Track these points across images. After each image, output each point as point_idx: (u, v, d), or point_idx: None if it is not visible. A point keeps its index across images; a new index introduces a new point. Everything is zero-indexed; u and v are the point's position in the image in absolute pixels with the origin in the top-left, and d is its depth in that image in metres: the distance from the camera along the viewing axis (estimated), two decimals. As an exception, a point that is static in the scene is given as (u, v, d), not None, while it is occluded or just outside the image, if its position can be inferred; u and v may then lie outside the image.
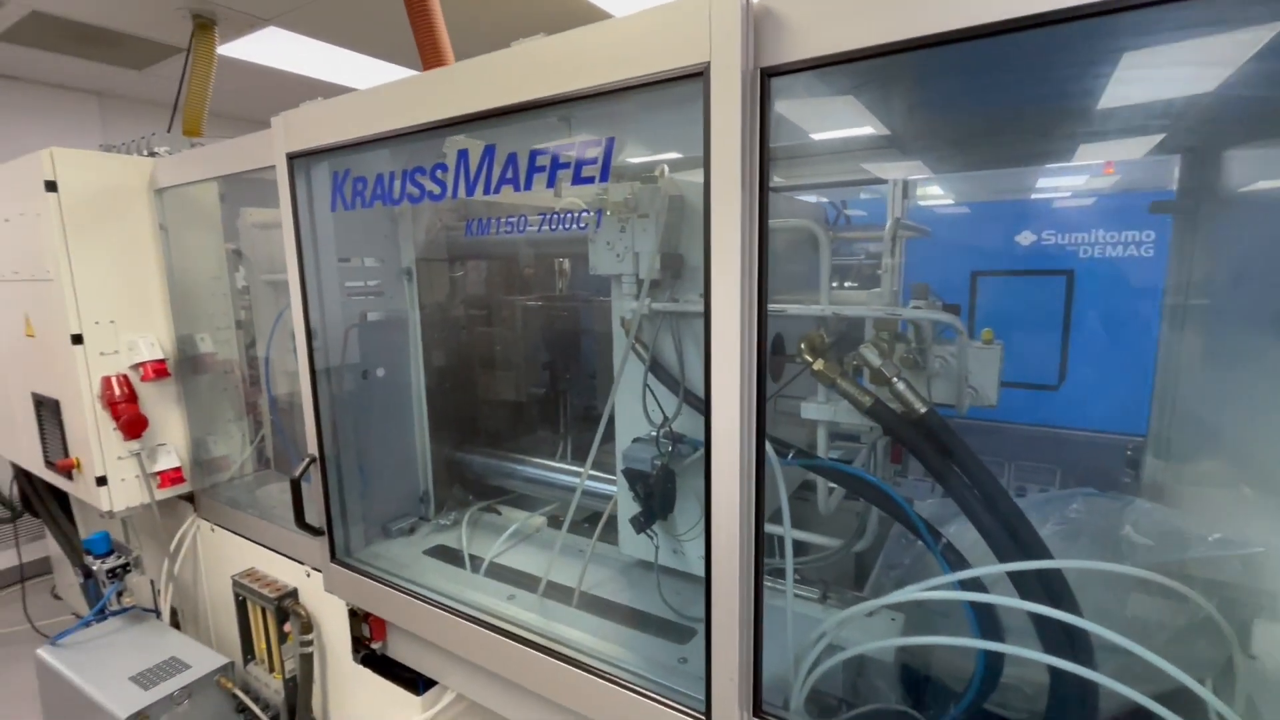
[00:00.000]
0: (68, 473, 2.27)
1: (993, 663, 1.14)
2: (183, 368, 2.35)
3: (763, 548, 1.08)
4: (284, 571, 2.11)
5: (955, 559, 1.16)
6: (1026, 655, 1.04)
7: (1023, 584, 1.09)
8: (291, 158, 1.60)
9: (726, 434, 1.03)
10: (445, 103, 1.25)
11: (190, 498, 2.45)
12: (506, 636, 1.44)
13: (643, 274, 1.42)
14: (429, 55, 2.42)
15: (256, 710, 2.06)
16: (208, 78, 3.11)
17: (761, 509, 1.07)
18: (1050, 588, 1.09)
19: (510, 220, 1.42)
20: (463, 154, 1.25)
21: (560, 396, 2.33)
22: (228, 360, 2.48)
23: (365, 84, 1.63)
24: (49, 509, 3.15)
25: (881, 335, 1.33)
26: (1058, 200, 2.56)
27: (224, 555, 2.37)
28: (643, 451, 1.45)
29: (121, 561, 2.30)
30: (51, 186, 2.03)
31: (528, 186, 1.18)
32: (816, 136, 1.95)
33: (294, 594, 2.05)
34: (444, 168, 1.29)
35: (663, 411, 1.45)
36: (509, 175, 1.20)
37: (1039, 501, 1.70)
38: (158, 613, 2.50)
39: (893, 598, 1.14)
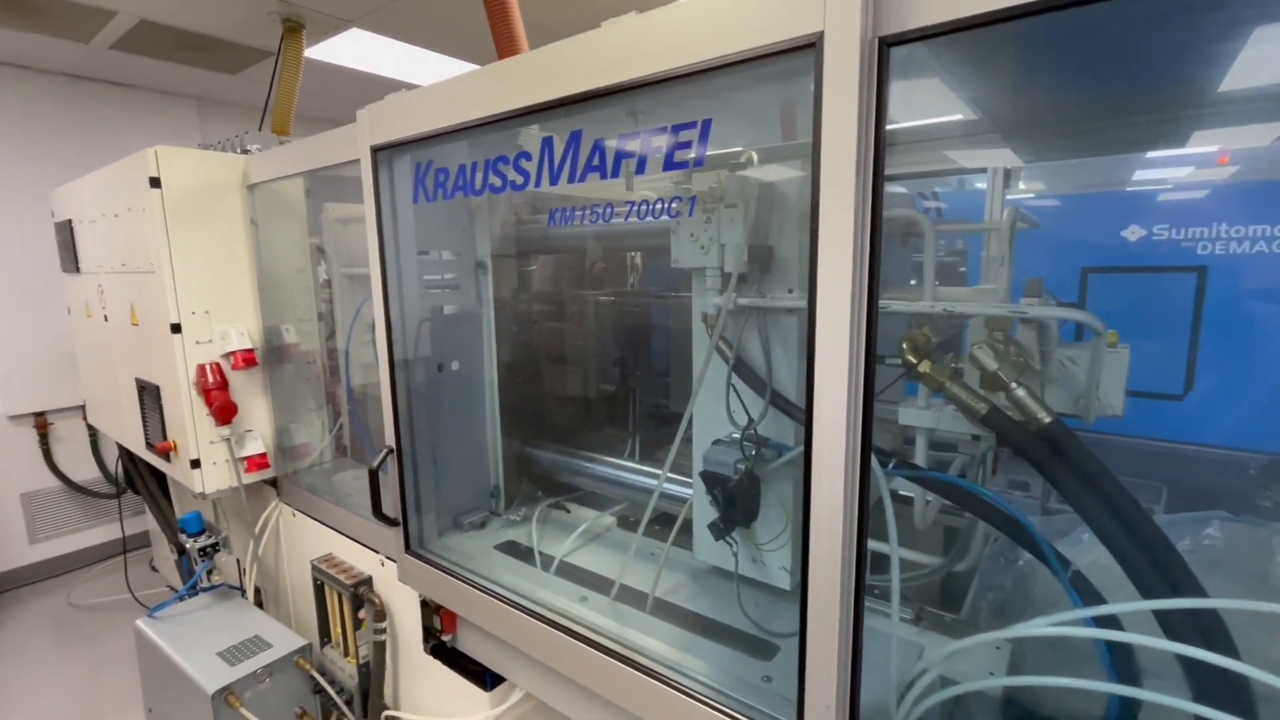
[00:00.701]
0: (165, 455, 2.40)
1: (1128, 709, 1.01)
2: (269, 357, 2.44)
3: (865, 566, 0.99)
4: (360, 559, 2.15)
5: (1086, 589, 1.03)
6: (1177, 705, 0.90)
7: (1170, 621, 0.95)
8: (375, 150, 1.61)
9: (830, 442, 0.94)
10: (532, 89, 1.21)
11: (273, 482, 2.55)
12: (580, 640, 1.40)
13: (729, 267, 1.35)
14: (504, 48, 2.41)
15: (332, 692, 2.11)
16: (295, 79, 3.24)
17: (865, 523, 0.97)
18: (1203, 626, 0.95)
19: (594, 210, 1.37)
20: (547, 141, 1.21)
21: (630, 394, 2.28)
22: (309, 351, 2.57)
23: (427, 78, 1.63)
24: (149, 487, 3.37)
25: (995, 335, 1.20)
26: (1174, 191, 2.30)
27: (303, 539, 2.45)
28: (724, 454, 1.38)
29: (212, 541, 2.41)
30: (155, 183, 2.14)
31: (615, 174, 1.13)
32: (905, 123, 1.82)
33: (368, 581, 2.09)
34: (528, 156, 1.26)
35: (747, 413, 1.38)
36: (595, 162, 1.15)
37: (1163, 524, 1.52)
38: (242, 591, 2.62)
39: (1023, 630, 1.02)
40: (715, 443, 1.45)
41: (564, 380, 2.21)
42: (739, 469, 1.35)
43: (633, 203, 1.36)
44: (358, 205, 2.63)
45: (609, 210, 1.33)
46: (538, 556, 1.81)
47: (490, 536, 1.95)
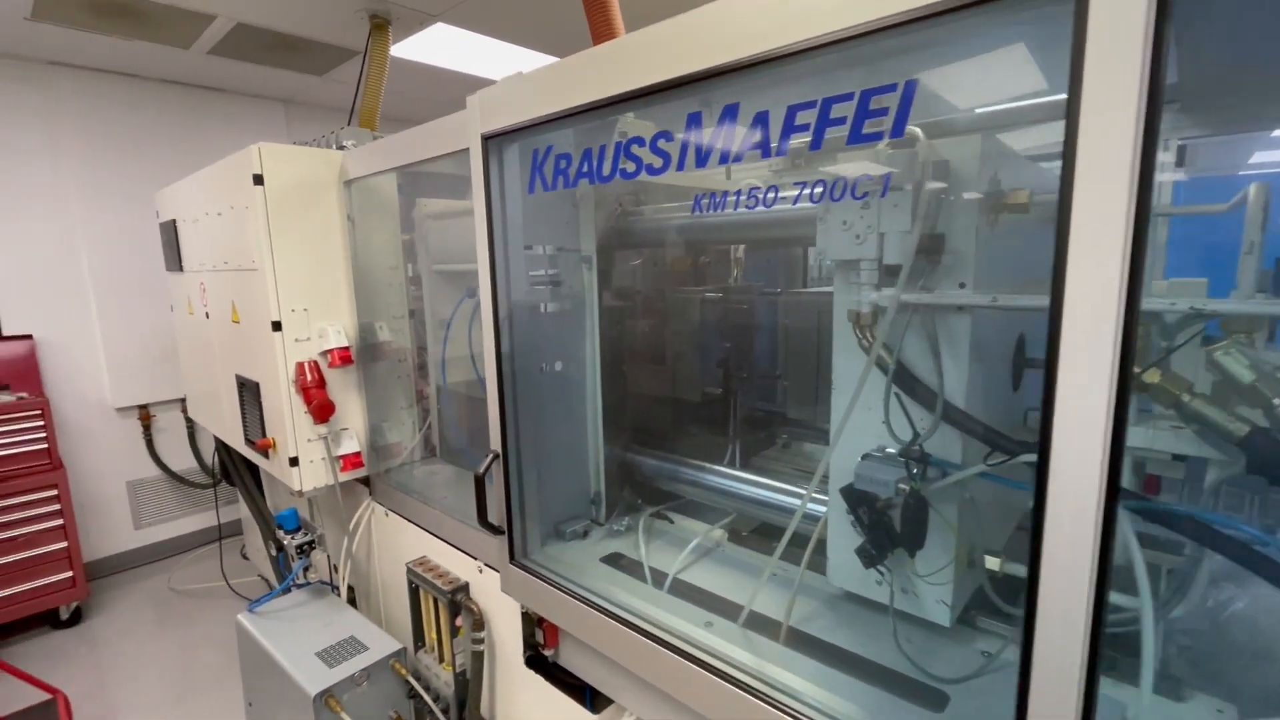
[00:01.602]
0: (264, 451, 2.41)
1: None
2: (363, 355, 2.41)
3: (1102, 628, 0.80)
4: (455, 564, 2.09)
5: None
6: None
7: None
8: (487, 139, 1.51)
9: (1075, 474, 0.76)
10: (677, 60, 1.08)
11: (365, 481, 2.54)
12: (710, 671, 1.27)
13: (890, 258, 1.18)
14: (600, 33, 2.30)
15: (429, 700, 2.07)
16: (382, 75, 3.24)
17: (1107, 577, 0.79)
18: None
19: (746, 194, 1.22)
20: (694, 118, 1.08)
21: (734, 397, 2.13)
22: (401, 349, 2.53)
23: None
24: (244, 480, 3.46)
25: (1237, 338, 0.99)
26: None
27: (395, 540, 2.42)
28: (882, 472, 1.21)
29: (308, 539, 2.41)
30: (258, 180, 2.13)
31: (780, 151, 0.98)
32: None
33: (465, 588, 2.02)
34: (668, 136, 1.13)
35: (912, 426, 1.20)
36: (755, 140, 1.01)
37: None
38: (335, 588, 2.62)
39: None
40: (867, 457, 1.28)
41: (665, 382, 2.08)
42: (901, 489, 1.18)
43: (774, 188, 1.21)
44: (449, 200, 2.60)
45: (754, 196, 1.19)
46: (648, 572, 1.69)
47: (594, 547, 1.85)
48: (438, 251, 2.52)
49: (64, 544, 3.57)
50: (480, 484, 1.66)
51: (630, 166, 1.20)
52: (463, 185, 2.88)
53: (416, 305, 2.62)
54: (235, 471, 3.56)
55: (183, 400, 4.40)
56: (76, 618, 3.70)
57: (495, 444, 1.68)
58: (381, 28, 3.25)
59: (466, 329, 2.44)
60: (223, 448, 3.62)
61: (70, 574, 3.59)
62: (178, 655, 3.41)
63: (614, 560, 1.77)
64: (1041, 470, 0.78)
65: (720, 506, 1.90)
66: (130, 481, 4.31)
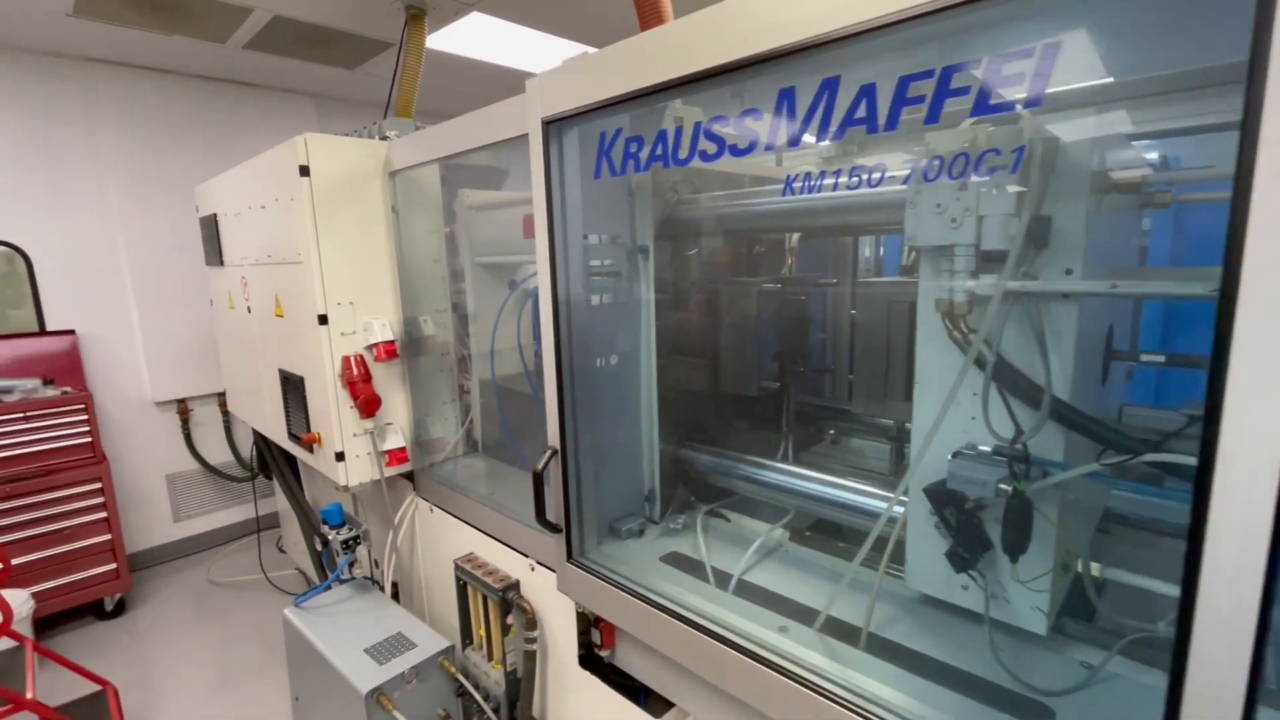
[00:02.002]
0: (309, 446, 2.40)
1: None
2: (407, 349, 2.38)
3: (1264, 655, 0.73)
4: (504, 560, 2.06)
5: None
6: None
7: None
8: (547, 123, 1.46)
9: (1247, 484, 0.69)
10: (765, 34, 1.01)
11: (408, 476, 2.51)
12: (789, 677, 1.21)
13: (989, 243, 1.10)
14: (648, 19, 2.23)
15: (479, 699, 2.04)
16: (418, 66, 3.20)
17: (1274, 594, 0.72)
18: None
19: (830, 179, 1.16)
20: (786, 94, 1.01)
21: (790, 391, 2.06)
22: (444, 343, 2.50)
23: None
24: (284, 473, 3.47)
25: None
26: None
27: (441, 536, 2.40)
28: (979, 471, 1.14)
29: (353, 534, 2.39)
30: (305, 171, 2.10)
31: (890, 125, 0.91)
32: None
33: (516, 586, 1.98)
34: (755, 113, 1.06)
35: (1015, 423, 1.13)
36: (858, 114, 0.94)
37: None
38: (378, 584, 2.61)
39: None
40: (958, 455, 1.21)
41: (719, 376, 2.02)
42: (1001, 489, 1.11)
43: (858, 168, 1.14)
44: (493, 192, 2.55)
45: (857, 175, 1.12)
46: (710, 572, 1.63)
47: (651, 546, 1.80)
48: (479, 243, 2.48)
49: (108, 536, 3.62)
50: (538, 481, 1.61)
51: (711, 148, 1.14)
52: (496, 177, 2.84)
53: (457, 298, 2.58)
54: (274, 465, 3.57)
55: (219, 394, 4.44)
56: (120, 609, 3.76)
57: (553, 440, 1.64)
58: (418, 18, 3.21)
59: (512, 322, 2.40)
60: (261, 441, 3.64)
61: (114, 566, 3.64)
62: (218, 646, 3.45)
63: (674, 560, 1.72)
64: (1203, 477, 0.71)
65: (777, 504, 1.83)
66: (169, 475, 4.36)
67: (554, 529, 1.66)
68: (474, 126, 1.83)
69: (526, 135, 1.57)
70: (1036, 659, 1.23)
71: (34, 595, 3.20)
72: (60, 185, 3.80)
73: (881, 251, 2.29)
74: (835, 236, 2.10)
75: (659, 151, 1.25)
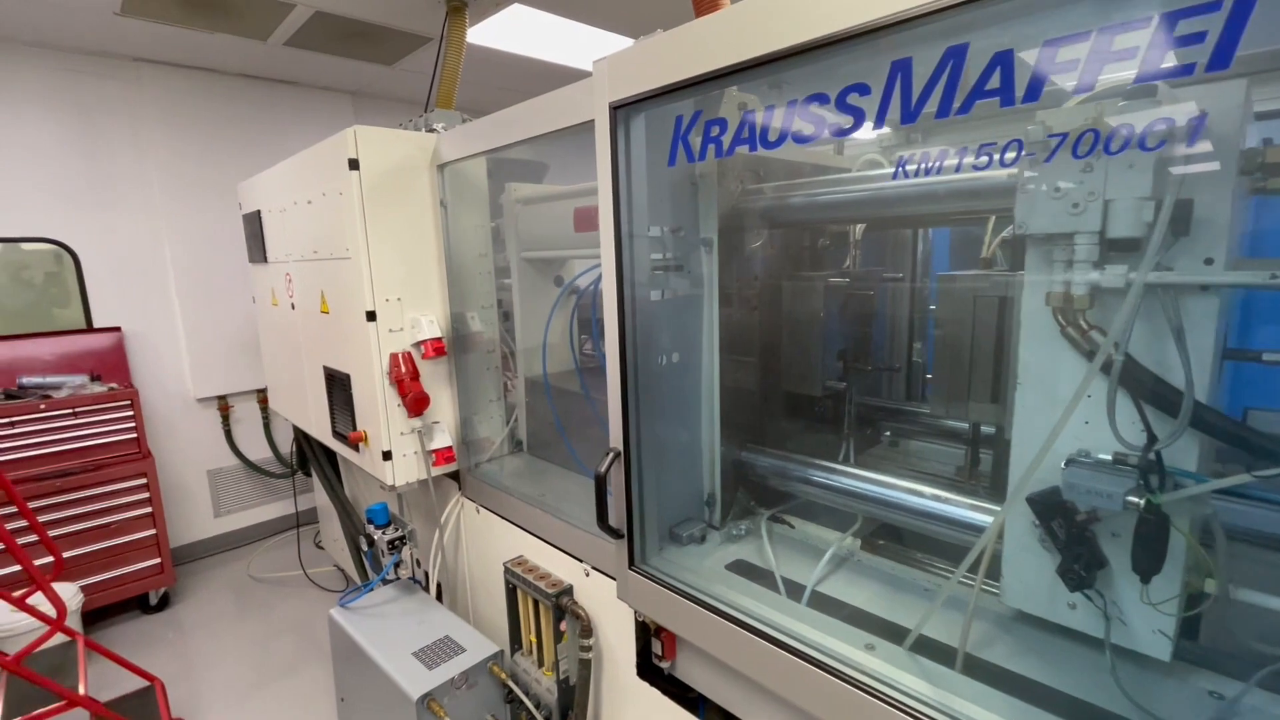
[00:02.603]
0: (355, 445, 2.36)
1: None
2: (454, 346, 2.33)
3: None
4: (557, 565, 1.99)
5: None
6: None
7: None
8: (616, 108, 1.38)
9: None
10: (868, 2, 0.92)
11: (454, 476, 2.47)
12: (881, 699, 1.12)
13: (1118, 230, 1.00)
14: (703, 5, 2.14)
15: (530, 706, 1.98)
16: (459, 59, 3.15)
17: None
18: None
19: (953, 159, 1.06)
20: (901, 65, 0.92)
21: (853, 391, 1.97)
22: (490, 339, 2.45)
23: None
24: (324, 471, 3.46)
25: None
26: None
27: (488, 537, 2.35)
28: (1103, 482, 1.04)
29: (399, 535, 2.36)
30: (354, 164, 2.06)
31: (1029, 97, 0.82)
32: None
33: (569, 591, 1.92)
34: (863, 89, 0.97)
35: (1149, 430, 1.02)
36: (990, 86, 0.85)
37: None
38: (423, 583, 2.57)
39: None
40: (1071, 464, 1.11)
41: (782, 374, 1.93)
42: (1130, 503, 1.00)
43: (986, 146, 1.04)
44: (542, 185, 2.49)
45: (986, 152, 1.02)
46: (780, 582, 1.55)
47: (714, 553, 1.72)
48: (526, 238, 2.42)
49: (152, 531, 3.66)
50: (601, 484, 1.54)
51: (807, 128, 1.05)
52: (536, 171, 2.78)
53: (502, 294, 2.53)
54: (315, 461, 3.57)
55: (259, 391, 4.47)
56: (164, 603, 3.80)
57: (615, 442, 1.57)
58: (459, 10, 3.17)
59: (559, 318, 2.33)
60: (302, 437, 3.64)
61: (158, 560, 3.68)
62: (259, 641, 3.46)
63: (741, 568, 1.64)
64: None
65: (846, 509, 1.74)
66: (210, 470, 4.40)
67: (616, 534, 1.59)
68: (530, 116, 1.76)
69: (583, 124, 1.50)
70: (1157, 687, 1.13)
71: (82, 589, 3.24)
72: (107, 184, 3.85)
73: (929, 244, 2.18)
74: (915, 227, 1.99)
75: (744, 135, 1.16)
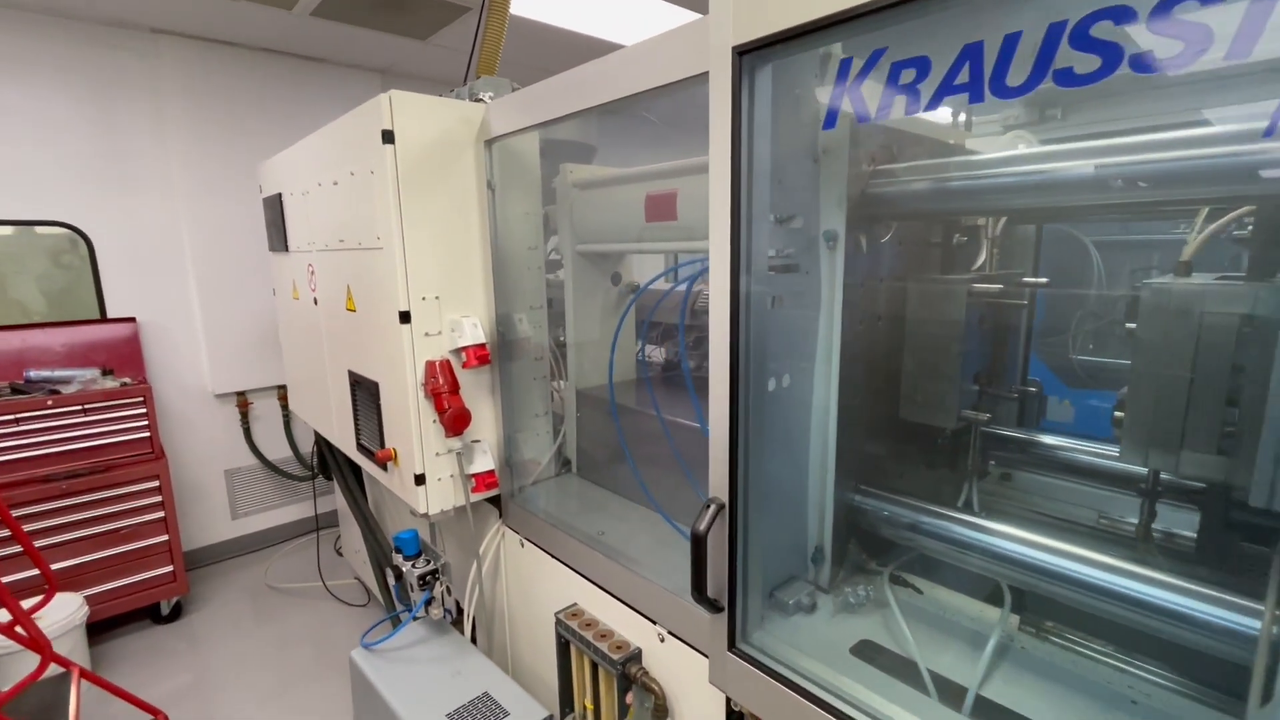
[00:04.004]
0: (383, 464, 2.05)
1: None
2: (499, 353, 2.01)
3: None
4: (620, 620, 1.66)
5: None
6: None
7: None
8: (742, 53, 1.03)
9: None
10: None
11: (494, 500, 2.15)
12: None
13: None
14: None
15: (586, 790, 1.66)
16: (502, 25, 2.80)
17: None
18: None
19: None
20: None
21: (977, 423, 1.60)
22: (538, 346, 2.12)
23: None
24: (345, 479, 3.18)
25: None
26: None
27: (533, 576, 2.02)
28: None
29: (431, 568, 2.04)
30: (389, 137, 1.74)
31: None
32: None
33: (638, 657, 1.59)
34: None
35: None
36: None
37: None
38: (452, 613, 2.25)
39: None
40: None
41: (904, 401, 1.57)
42: None
43: None
44: (601, 168, 2.15)
45: None
46: (929, 679, 1.19)
47: (829, 627, 1.37)
48: (583, 228, 2.09)
49: (165, 537, 3.41)
50: (700, 545, 1.20)
51: (1090, 64, 0.69)
52: (583, 153, 2.44)
53: (553, 293, 2.20)
54: (336, 469, 3.29)
55: (279, 388, 4.21)
56: (177, 613, 3.56)
57: (717, 490, 1.23)
58: (503, -28, 2.83)
59: (612, 322, 1.99)
60: (323, 442, 3.37)
61: (171, 569, 3.43)
62: (276, 656, 3.22)
63: (868, 651, 1.29)
64: None
65: (974, 568, 1.38)
66: (228, 470, 4.16)
67: (714, 607, 1.25)
68: (612, 74, 1.41)
69: (685, 82, 1.15)
70: None
71: (89, 599, 3.00)
72: (123, 164, 3.59)
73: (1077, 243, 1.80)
74: (1098, 219, 1.62)
75: (958, 80, 0.79)
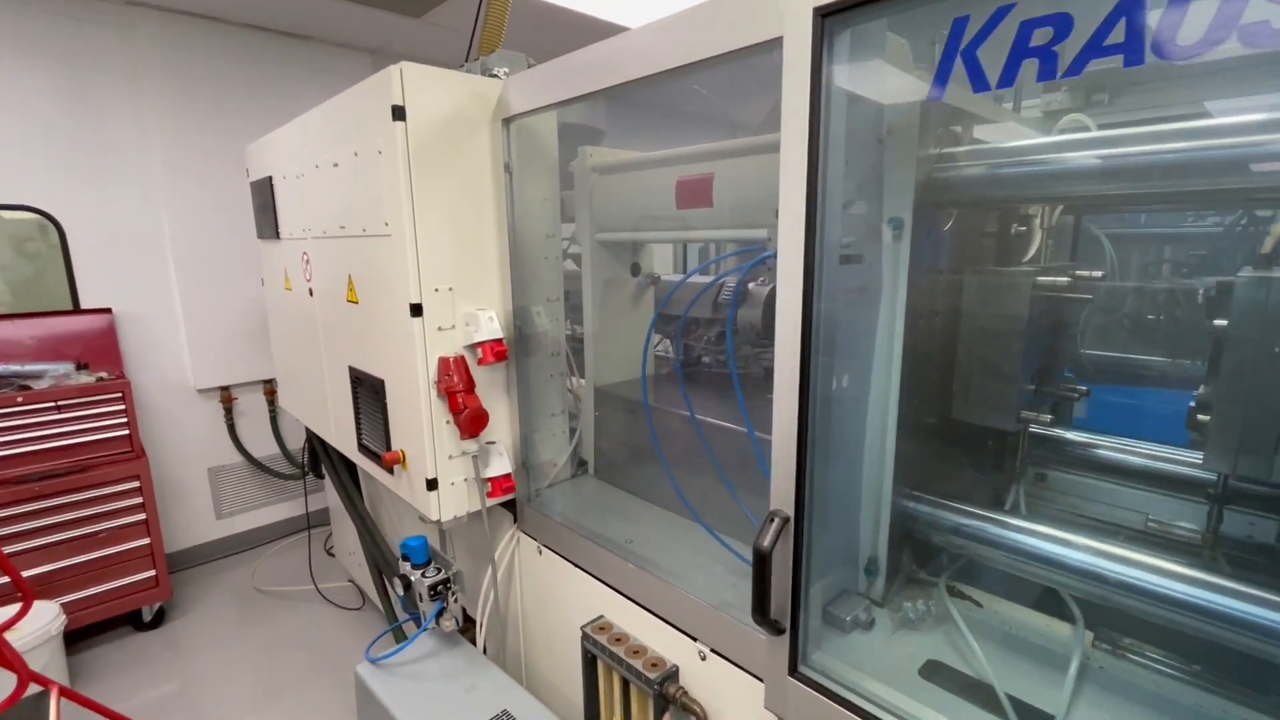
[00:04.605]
0: (389, 467, 1.92)
1: None
2: (515, 349, 1.88)
3: None
4: (653, 635, 1.56)
5: None
6: None
7: None
8: (825, 14, 0.91)
9: None
10: None
11: (508, 504, 2.02)
12: None
13: None
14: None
15: (618, 816, 1.56)
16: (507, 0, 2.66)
17: None
18: None
19: None
20: None
21: (1028, 425, 1.51)
22: (556, 341, 1.99)
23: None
24: (339, 477, 3.03)
25: None
26: None
27: (553, 586, 1.91)
28: None
29: (443, 577, 1.92)
30: (399, 114, 1.59)
31: None
32: None
33: (675, 675, 1.48)
34: None
35: None
36: None
37: None
38: (459, 620, 2.13)
39: None
40: None
41: (958, 400, 1.48)
42: None
43: None
44: (622, 151, 2.02)
45: None
46: (1008, 705, 1.10)
47: (890, 645, 1.27)
48: (603, 216, 1.96)
49: (146, 540, 3.23)
50: (762, 562, 1.09)
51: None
52: (591, 136, 2.31)
53: (570, 284, 2.07)
54: (329, 467, 3.13)
55: (265, 382, 4.03)
56: (159, 619, 3.38)
57: (781, 502, 1.12)
58: (509, -58, 2.67)
59: (637, 315, 1.87)
60: (315, 439, 3.20)
61: (153, 573, 3.26)
62: (265, 662, 3.08)
63: (936, 672, 1.20)
64: None
65: (1035, 578, 1.29)
66: (211, 468, 3.97)
67: (776, 629, 1.15)
68: (652, 44, 1.28)
69: (749, 50, 1.03)
70: None
71: (66, 607, 2.82)
72: (98, 145, 3.37)
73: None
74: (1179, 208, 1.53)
75: (1108, 40, 0.68)
